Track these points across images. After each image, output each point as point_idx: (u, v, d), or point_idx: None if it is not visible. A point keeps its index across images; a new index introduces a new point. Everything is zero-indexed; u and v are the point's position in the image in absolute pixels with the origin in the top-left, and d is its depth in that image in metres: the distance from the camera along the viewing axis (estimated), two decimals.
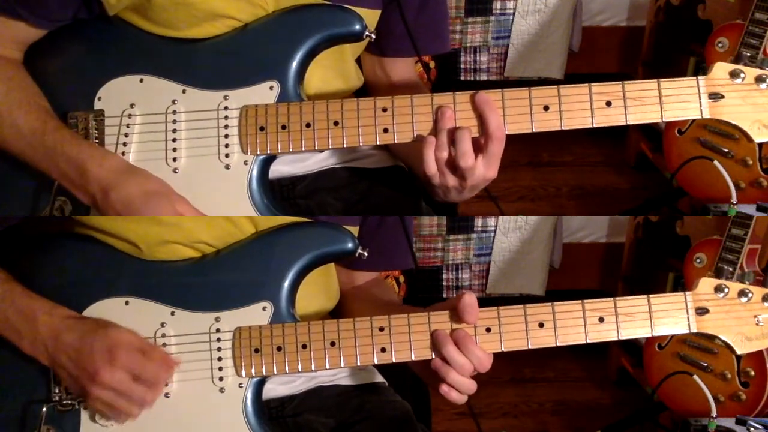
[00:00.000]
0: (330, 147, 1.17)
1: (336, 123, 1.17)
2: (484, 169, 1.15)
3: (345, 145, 1.17)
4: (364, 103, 1.17)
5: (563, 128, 1.15)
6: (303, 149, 1.17)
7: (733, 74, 1.14)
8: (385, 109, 1.16)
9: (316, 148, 1.17)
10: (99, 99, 1.19)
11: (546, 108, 1.15)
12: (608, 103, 1.15)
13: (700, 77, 1.15)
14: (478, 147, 1.14)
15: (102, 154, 1.16)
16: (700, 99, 1.14)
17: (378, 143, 1.17)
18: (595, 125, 1.16)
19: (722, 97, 1.14)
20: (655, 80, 1.14)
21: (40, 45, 1.23)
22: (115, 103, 1.19)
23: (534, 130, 1.16)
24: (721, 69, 1.15)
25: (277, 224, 1.19)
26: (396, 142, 1.16)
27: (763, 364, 2.06)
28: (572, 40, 2.88)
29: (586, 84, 1.15)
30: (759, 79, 1.14)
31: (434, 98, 1.16)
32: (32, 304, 1.14)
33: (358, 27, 1.19)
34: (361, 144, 1.17)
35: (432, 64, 1.71)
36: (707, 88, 1.14)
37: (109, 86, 1.19)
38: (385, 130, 1.16)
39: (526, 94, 1.15)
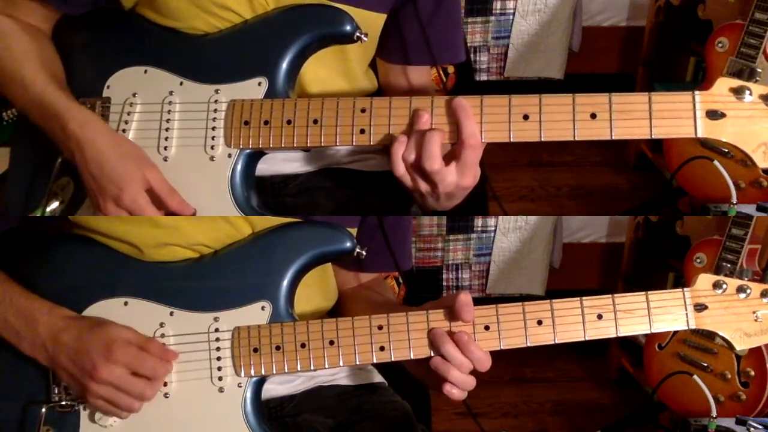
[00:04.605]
0: (308, 145, 1.16)
1: (315, 121, 1.16)
2: (457, 177, 1.11)
3: (323, 144, 1.16)
4: (344, 103, 1.16)
5: (542, 140, 1.10)
6: (283, 146, 1.17)
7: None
8: (363, 110, 1.15)
9: (296, 145, 1.16)
10: (108, 87, 1.23)
11: (526, 117, 1.10)
12: (593, 116, 1.10)
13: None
14: (454, 154, 1.11)
15: None
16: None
17: (354, 144, 1.16)
18: (577, 138, 1.10)
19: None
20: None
21: (62, 35, 1.27)
22: (121, 92, 1.22)
23: (512, 140, 1.11)
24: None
25: (275, 224, 1.19)
26: (372, 144, 1.15)
27: (763, 364, 2.06)
28: (572, 40, 2.88)
29: (570, 94, 1.10)
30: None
31: (413, 101, 1.14)
32: (32, 305, 1.15)
33: (348, 28, 1.18)
34: (337, 144, 1.16)
35: (451, 69, 1.69)
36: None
37: (117, 76, 1.23)
38: (362, 131, 1.15)
39: (506, 102, 1.11)
